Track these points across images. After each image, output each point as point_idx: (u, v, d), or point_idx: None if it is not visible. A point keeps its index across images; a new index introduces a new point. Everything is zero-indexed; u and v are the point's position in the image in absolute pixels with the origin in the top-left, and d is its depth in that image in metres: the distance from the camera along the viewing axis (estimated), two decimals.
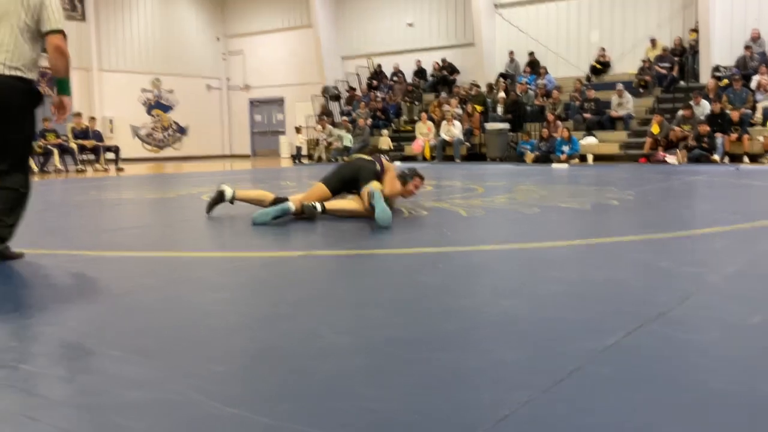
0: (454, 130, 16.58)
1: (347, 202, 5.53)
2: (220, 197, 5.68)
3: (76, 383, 1.85)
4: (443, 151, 16.68)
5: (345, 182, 5.63)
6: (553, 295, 2.79)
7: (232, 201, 5.70)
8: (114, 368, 1.96)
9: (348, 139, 18.05)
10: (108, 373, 1.92)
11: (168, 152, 24.21)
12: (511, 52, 18.96)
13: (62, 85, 3.84)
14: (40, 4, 3.64)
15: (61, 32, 3.70)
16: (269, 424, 1.57)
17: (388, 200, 5.41)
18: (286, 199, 5.48)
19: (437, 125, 17.16)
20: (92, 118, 17.54)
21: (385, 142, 17.65)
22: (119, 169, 15.92)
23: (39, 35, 3.69)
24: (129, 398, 1.73)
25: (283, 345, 2.18)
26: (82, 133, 16.36)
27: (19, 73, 3.64)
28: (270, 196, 5.69)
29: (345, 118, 19.40)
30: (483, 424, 1.54)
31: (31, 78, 3.74)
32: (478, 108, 17.20)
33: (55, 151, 15.71)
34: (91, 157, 16.57)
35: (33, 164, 15.21)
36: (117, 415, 1.63)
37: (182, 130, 24.71)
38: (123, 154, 17.18)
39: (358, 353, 2.08)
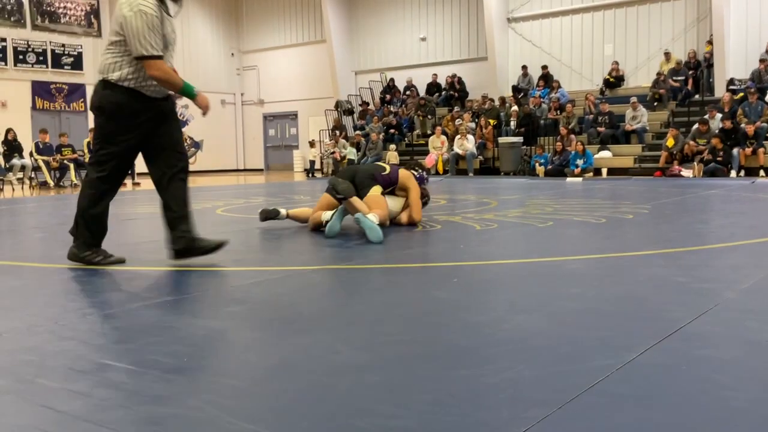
0: (467, 144, 16.60)
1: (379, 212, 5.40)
2: (275, 214, 5.99)
3: (94, 398, 1.86)
4: (456, 165, 16.69)
5: (351, 181, 5.59)
6: (569, 311, 2.78)
7: (282, 217, 6.05)
8: (131, 383, 1.97)
9: (352, 153, 18.16)
10: (126, 389, 1.93)
11: None
12: (525, 67, 18.98)
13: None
14: None
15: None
16: None
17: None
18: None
19: (450, 139, 17.18)
20: None
21: (392, 156, 17.70)
22: (135, 184, 16.02)
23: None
24: (147, 413, 1.74)
25: (299, 361, 2.18)
26: None
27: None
28: (308, 212, 5.94)
29: (358, 132, 19.47)
30: None
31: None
32: (492, 122, 17.22)
33: (71, 166, 15.86)
34: None
35: (49, 179, 15.43)
36: (135, 430, 1.64)
37: (197, 145, 24.88)
38: (137, 169, 17.28)
39: (375, 369, 2.07)
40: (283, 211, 6.02)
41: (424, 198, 6.11)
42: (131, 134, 3.92)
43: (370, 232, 4.82)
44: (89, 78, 21.70)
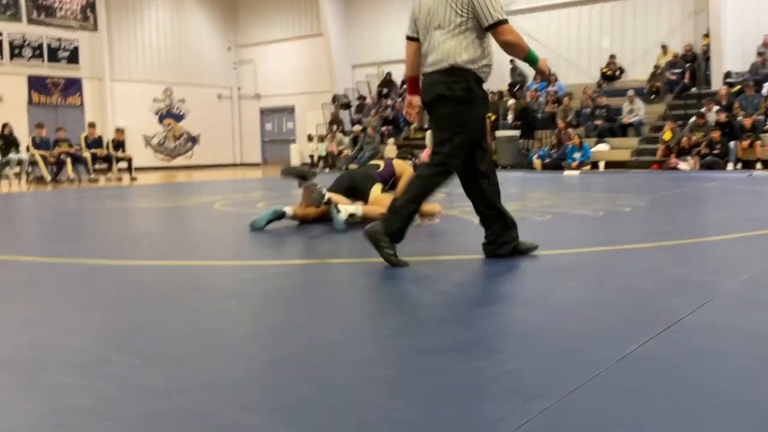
0: None
1: (373, 208, 5.44)
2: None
3: (96, 392, 1.87)
4: None
5: (345, 190, 5.71)
6: (569, 304, 2.79)
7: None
8: (133, 377, 1.98)
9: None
10: (128, 382, 1.93)
11: (179, 161, 24.33)
12: (512, 61, 18.93)
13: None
14: None
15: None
16: None
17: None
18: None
19: None
20: (119, 131, 17.55)
21: (391, 150, 17.72)
22: (133, 179, 16.00)
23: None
24: (149, 407, 1.75)
25: (302, 354, 2.19)
26: (95, 143, 16.47)
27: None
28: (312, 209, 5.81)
29: (358, 126, 19.47)
30: None
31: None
32: (492, 116, 17.19)
33: (68, 161, 15.82)
34: (104, 166, 16.68)
35: (46, 173, 15.40)
36: (138, 424, 1.65)
37: (194, 140, 24.83)
38: (134, 164, 17.27)
39: (378, 362, 2.08)
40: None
41: None
42: (483, 120, 3.78)
43: (336, 225, 5.07)
44: (85, 72, 21.66)
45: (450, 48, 3.58)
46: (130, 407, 1.75)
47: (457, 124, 3.64)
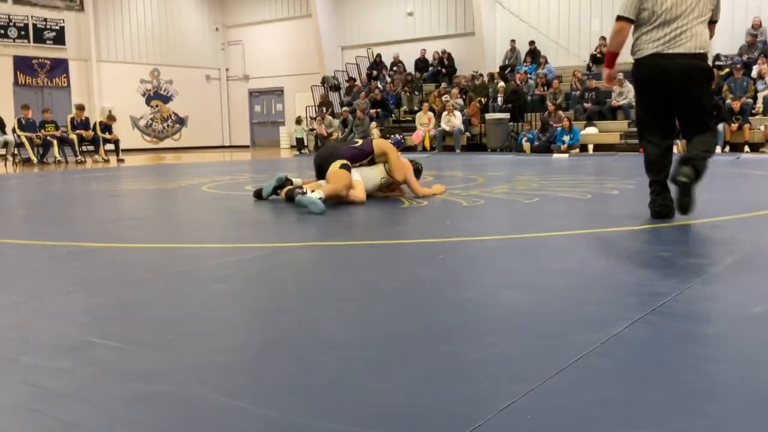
0: (454, 121, 16.56)
1: (326, 187, 5.55)
2: (284, 181, 6.00)
3: (78, 375, 1.85)
4: (443, 141, 16.66)
5: (317, 172, 5.94)
6: (554, 286, 2.79)
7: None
8: (116, 360, 1.96)
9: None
10: (110, 366, 1.92)
11: (167, 143, 24.19)
12: (513, 41, 18.90)
13: None
14: None
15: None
16: (275, 416, 1.57)
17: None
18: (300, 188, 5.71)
19: (438, 116, 17.13)
20: (110, 116, 17.42)
21: (375, 132, 17.69)
22: (120, 161, 15.89)
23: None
24: (132, 391, 1.74)
25: (286, 337, 2.18)
26: (81, 125, 16.33)
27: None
28: (308, 182, 6.04)
29: (345, 108, 19.38)
30: (484, 415, 1.55)
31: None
32: (482, 99, 17.16)
33: (55, 142, 15.69)
34: (91, 148, 16.55)
35: (32, 155, 15.27)
36: (120, 407, 1.64)
37: (181, 121, 24.68)
38: (122, 145, 17.15)
39: (361, 346, 2.08)
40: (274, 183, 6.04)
41: (415, 165, 6.28)
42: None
43: (312, 206, 5.03)
44: (72, 53, 21.43)
45: (706, 37, 4.33)
46: (111, 391, 1.74)
47: (711, 97, 4.62)
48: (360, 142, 6.13)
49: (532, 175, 8.93)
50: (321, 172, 5.83)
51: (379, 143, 6.09)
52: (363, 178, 5.82)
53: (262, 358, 2.00)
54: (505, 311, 2.43)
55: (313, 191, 5.26)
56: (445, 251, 3.69)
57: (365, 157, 5.93)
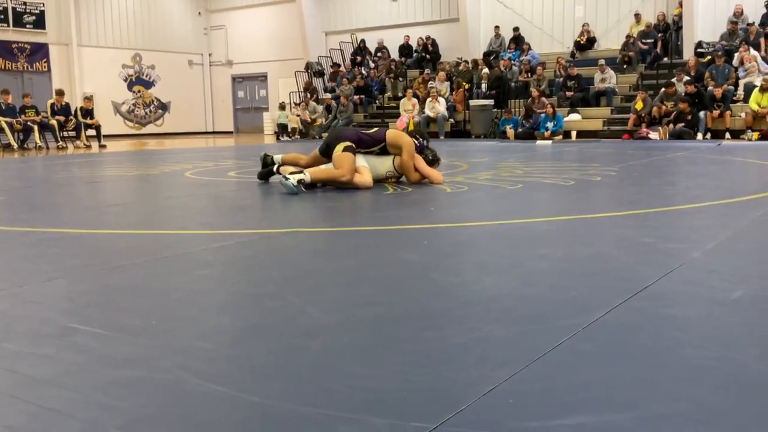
0: (438, 107, 16.54)
1: (326, 170, 5.68)
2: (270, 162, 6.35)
3: (60, 362, 1.84)
4: (427, 128, 16.65)
5: (323, 152, 5.96)
6: (538, 272, 2.81)
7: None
8: (99, 347, 1.95)
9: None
10: (93, 352, 1.91)
11: (150, 129, 23.98)
12: (497, 27, 18.87)
13: None
14: None
15: None
16: (259, 402, 1.57)
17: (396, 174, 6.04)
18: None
19: (422, 102, 17.11)
20: (88, 99, 17.25)
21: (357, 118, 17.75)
22: (102, 146, 15.75)
23: None
24: (115, 377, 1.73)
25: (270, 323, 2.18)
26: (62, 110, 16.15)
27: None
28: (303, 158, 6.20)
29: (328, 95, 19.29)
30: (468, 399, 1.56)
31: None
32: (466, 85, 17.14)
33: (35, 128, 15.51)
34: (72, 134, 16.38)
35: (12, 141, 15.09)
36: (103, 394, 1.63)
37: (164, 107, 24.46)
38: (104, 131, 16.98)
39: (346, 331, 2.08)
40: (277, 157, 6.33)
41: (433, 155, 6.25)
42: None
43: (285, 187, 5.28)
44: (52, 37, 21.14)
45: None
46: (94, 377, 1.73)
47: None
48: (375, 129, 6.13)
49: (516, 161, 8.95)
50: (328, 156, 5.82)
51: (397, 134, 6.05)
52: (369, 166, 5.84)
53: (246, 344, 2.00)
54: (490, 296, 2.45)
55: (300, 172, 5.36)
56: (429, 237, 3.70)
57: (375, 144, 5.89)
